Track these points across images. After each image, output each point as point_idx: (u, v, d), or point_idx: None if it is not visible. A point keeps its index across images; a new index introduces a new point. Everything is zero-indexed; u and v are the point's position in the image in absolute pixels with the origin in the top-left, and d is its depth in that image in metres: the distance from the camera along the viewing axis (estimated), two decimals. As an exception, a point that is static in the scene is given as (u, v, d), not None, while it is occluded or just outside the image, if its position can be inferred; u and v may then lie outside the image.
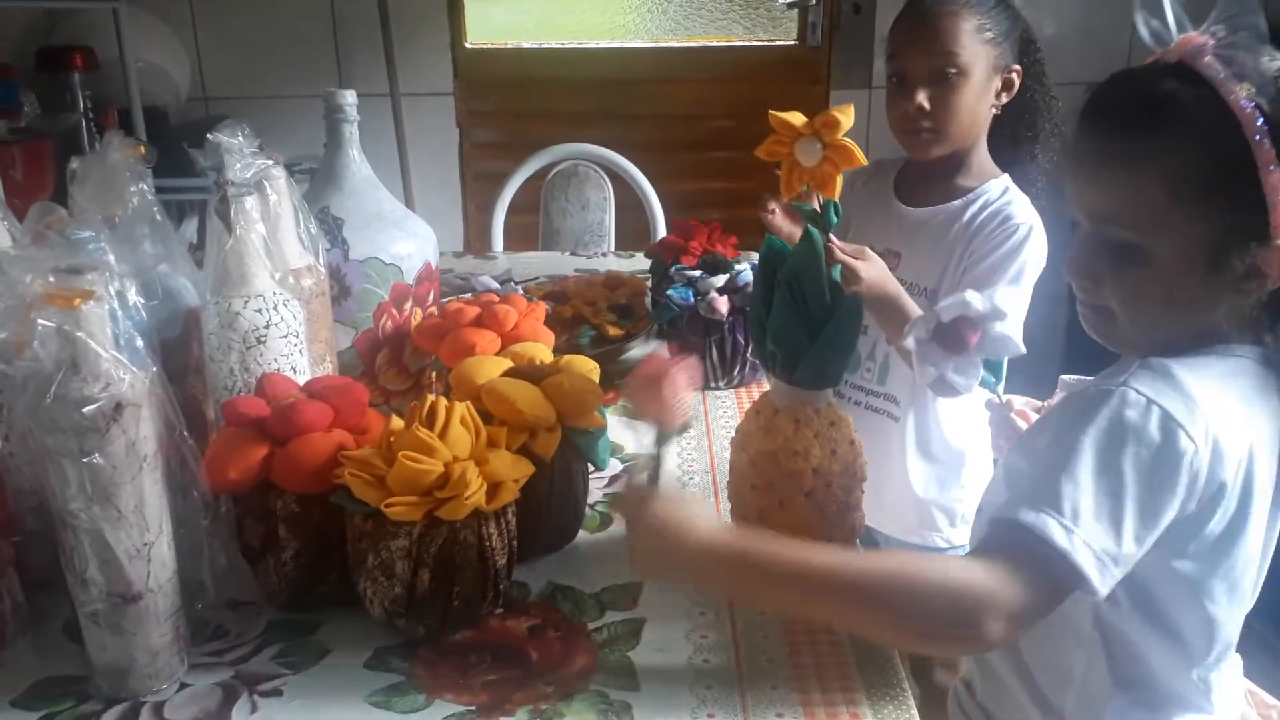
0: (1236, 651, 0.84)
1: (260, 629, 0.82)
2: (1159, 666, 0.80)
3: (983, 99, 1.26)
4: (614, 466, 1.09)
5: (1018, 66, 1.27)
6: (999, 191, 1.28)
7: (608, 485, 1.06)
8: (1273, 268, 0.73)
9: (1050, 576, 0.68)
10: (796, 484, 0.85)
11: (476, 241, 2.98)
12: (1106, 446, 0.70)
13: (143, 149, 0.92)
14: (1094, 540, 0.68)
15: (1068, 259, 0.81)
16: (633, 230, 2.45)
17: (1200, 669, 0.80)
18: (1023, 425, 0.96)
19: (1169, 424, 0.70)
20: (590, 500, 1.00)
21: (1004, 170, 1.32)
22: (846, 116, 0.86)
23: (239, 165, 0.92)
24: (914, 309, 1.17)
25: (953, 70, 1.22)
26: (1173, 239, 0.73)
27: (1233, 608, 0.78)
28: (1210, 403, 0.72)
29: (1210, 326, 0.77)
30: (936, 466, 1.37)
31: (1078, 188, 0.79)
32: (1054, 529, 0.67)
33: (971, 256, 1.25)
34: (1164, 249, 0.74)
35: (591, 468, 0.96)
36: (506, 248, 2.40)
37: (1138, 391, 0.72)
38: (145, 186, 0.85)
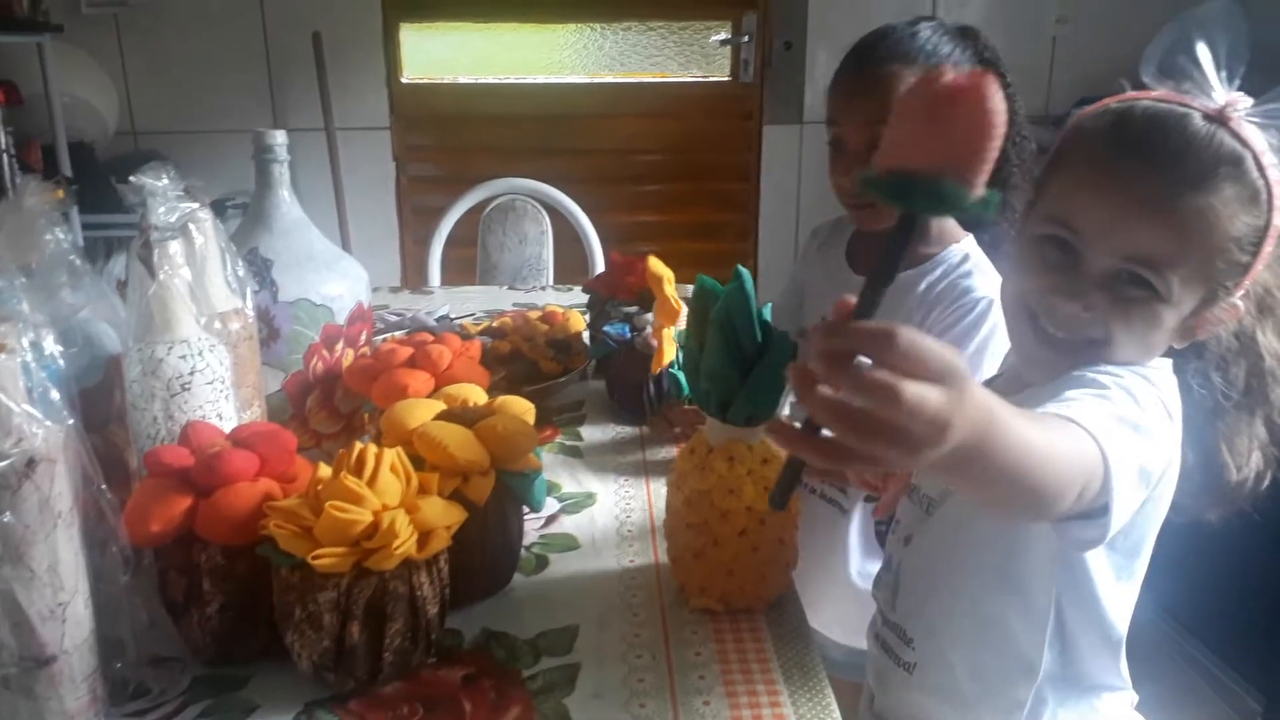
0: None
1: (184, 686, 0.79)
2: (1090, 653, 0.83)
3: None
4: (550, 505, 1.09)
5: None
6: (959, 258, 1.16)
7: (544, 526, 1.05)
8: (1217, 320, 0.78)
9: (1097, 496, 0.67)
10: (731, 523, 0.85)
11: (414, 276, 2.96)
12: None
13: (60, 192, 0.89)
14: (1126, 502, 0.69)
15: (1066, 290, 0.77)
16: (571, 263, 2.46)
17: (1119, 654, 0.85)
18: None
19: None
20: (526, 542, 0.99)
21: (969, 224, 1.20)
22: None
23: (163, 209, 0.91)
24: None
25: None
26: (1186, 285, 0.75)
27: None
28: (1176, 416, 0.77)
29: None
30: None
31: (1110, 222, 0.75)
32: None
33: (928, 333, 1.15)
34: (1175, 293, 0.75)
35: (527, 510, 0.95)
36: (445, 281, 2.39)
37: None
38: (61, 233, 0.83)
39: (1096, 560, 0.80)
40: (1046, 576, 0.81)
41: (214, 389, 0.92)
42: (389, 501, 0.76)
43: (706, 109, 3.15)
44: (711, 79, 3.15)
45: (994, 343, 1.10)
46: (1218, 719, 1.92)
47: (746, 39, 3.08)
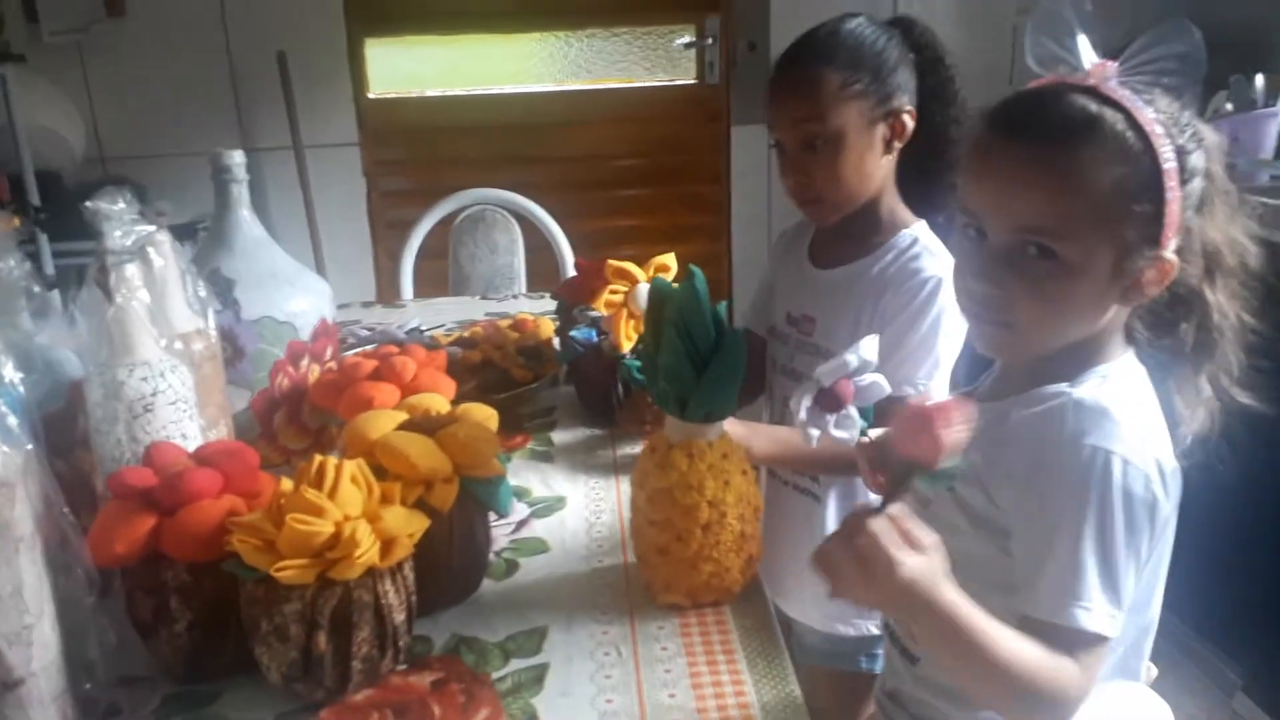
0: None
1: (156, 704, 0.80)
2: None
3: (866, 155, 1.15)
4: (520, 510, 1.10)
5: (909, 107, 1.16)
6: (907, 243, 1.18)
7: (514, 531, 1.06)
8: (1157, 279, 0.79)
9: (1092, 649, 0.75)
10: (693, 518, 0.87)
11: (388, 290, 2.96)
12: (1103, 521, 0.75)
13: (16, 220, 0.90)
14: (1114, 611, 0.75)
15: (976, 271, 0.81)
16: (544, 271, 2.47)
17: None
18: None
19: (1138, 474, 0.75)
20: (496, 548, 1.00)
21: (922, 208, 1.21)
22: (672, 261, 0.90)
23: (119, 233, 0.91)
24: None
25: (820, 140, 1.13)
26: (1088, 248, 0.77)
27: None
28: (1149, 429, 0.78)
29: (1087, 337, 0.82)
30: None
31: (995, 199, 0.80)
32: (1092, 621, 0.74)
33: (882, 316, 1.16)
34: (1080, 257, 0.78)
35: (495, 516, 0.96)
36: (419, 294, 2.40)
37: (1109, 451, 0.75)
38: (13, 261, 0.84)
39: None
40: None
41: (177, 409, 0.92)
42: (350, 512, 0.76)
43: (674, 113, 3.17)
44: (678, 82, 3.17)
45: (945, 320, 1.13)
46: (1198, 692, 1.95)
47: (710, 41, 3.10)
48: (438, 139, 3.11)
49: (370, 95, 3.08)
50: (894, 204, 1.21)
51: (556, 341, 1.54)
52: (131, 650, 0.82)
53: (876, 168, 1.17)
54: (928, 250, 1.16)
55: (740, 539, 0.89)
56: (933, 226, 1.20)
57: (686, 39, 3.12)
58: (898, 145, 1.17)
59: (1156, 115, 0.76)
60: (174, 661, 0.81)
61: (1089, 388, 0.79)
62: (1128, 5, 0.78)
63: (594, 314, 1.41)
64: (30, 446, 0.71)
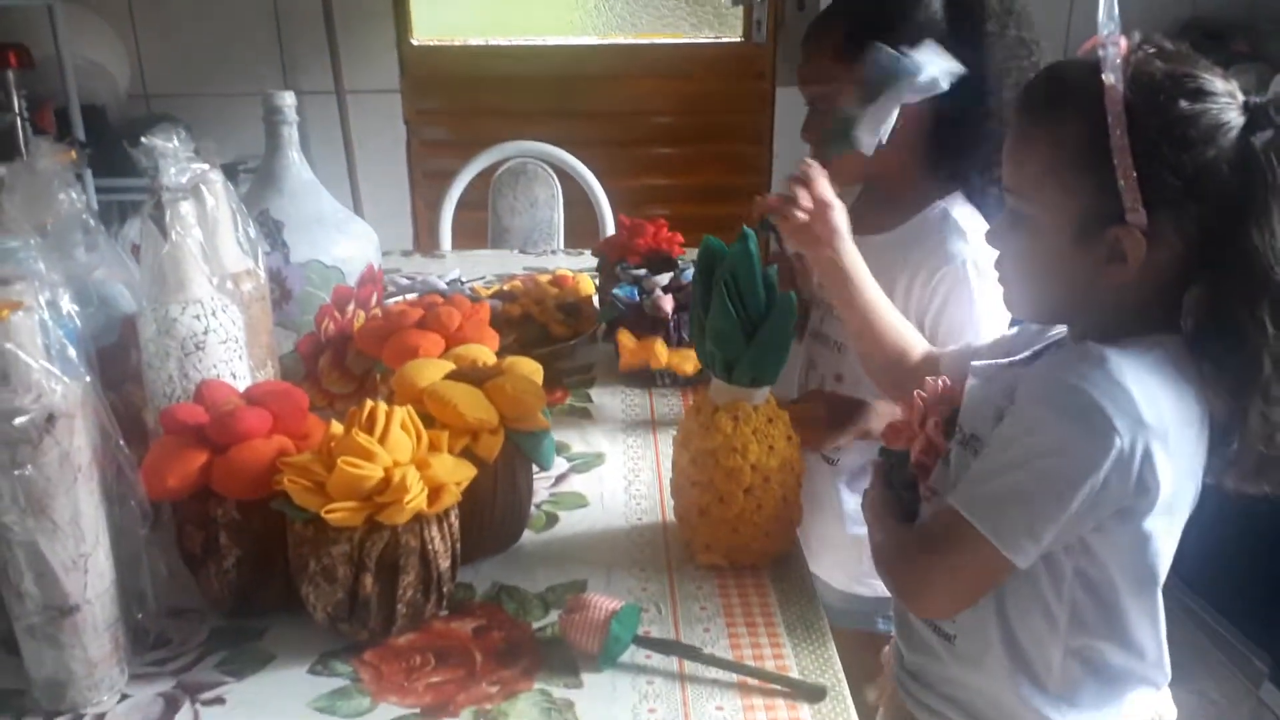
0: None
1: (203, 637, 0.82)
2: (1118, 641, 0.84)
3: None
4: (559, 465, 1.10)
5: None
6: (938, 215, 1.14)
7: (554, 484, 1.07)
8: (1129, 250, 0.77)
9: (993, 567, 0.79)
10: (735, 481, 0.87)
11: (425, 239, 2.97)
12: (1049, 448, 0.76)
13: (73, 154, 0.91)
14: (1033, 542, 0.77)
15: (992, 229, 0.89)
16: (582, 227, 2.46)
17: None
18: None
19: (1101, 416, 0.74)
20: (536, 500, 1.01)
21: (957, 178, 1.15)
22: None
23: (174, 170, 0.91)
24: (872, 295, 1.04)
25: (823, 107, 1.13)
26: (1048, 209, 0.81)
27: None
28: (1141, 389, 0.75)
29: (1129, 315, 0.80)
30: None
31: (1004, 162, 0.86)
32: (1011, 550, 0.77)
33: (913, 301, 1.12)
34: (1042, 216, 0.82)
35: (536, 468, 0.97)
36: (456, 245, 2.40)
37: (1098, 401, 0.75)
38: (74, 194, 0.84)
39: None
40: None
41: (227, 348, 0.93)
42: (400, 458, 0.77)
43: (719, 70, 3.12)
44: (724, 40, 3.12)
45: (979, 304, 1.10)
46: (1224, 679, 1.94)
47: (759, -1, 3.05)
48: (479, 89, 3.08)
49: (413, 42, 3.06)
50: (921, 173, 1.16)
51: (596, 299, 1.54)
52: (181, 582, 0.84)
53: (901, 140, 1.07)
54: (957, 228, 1.12)
55: (782, 504, 0.89)
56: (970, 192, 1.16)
57: (735, -5, 3.07)
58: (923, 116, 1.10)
59: (1141, 92, 0.76)
60: (221, 596, 0.82)
61: (1107, 348, 0.78)
62: None
63: (636, 272, 1.41)
64: (88, 379, 0.72)
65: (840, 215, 1.01)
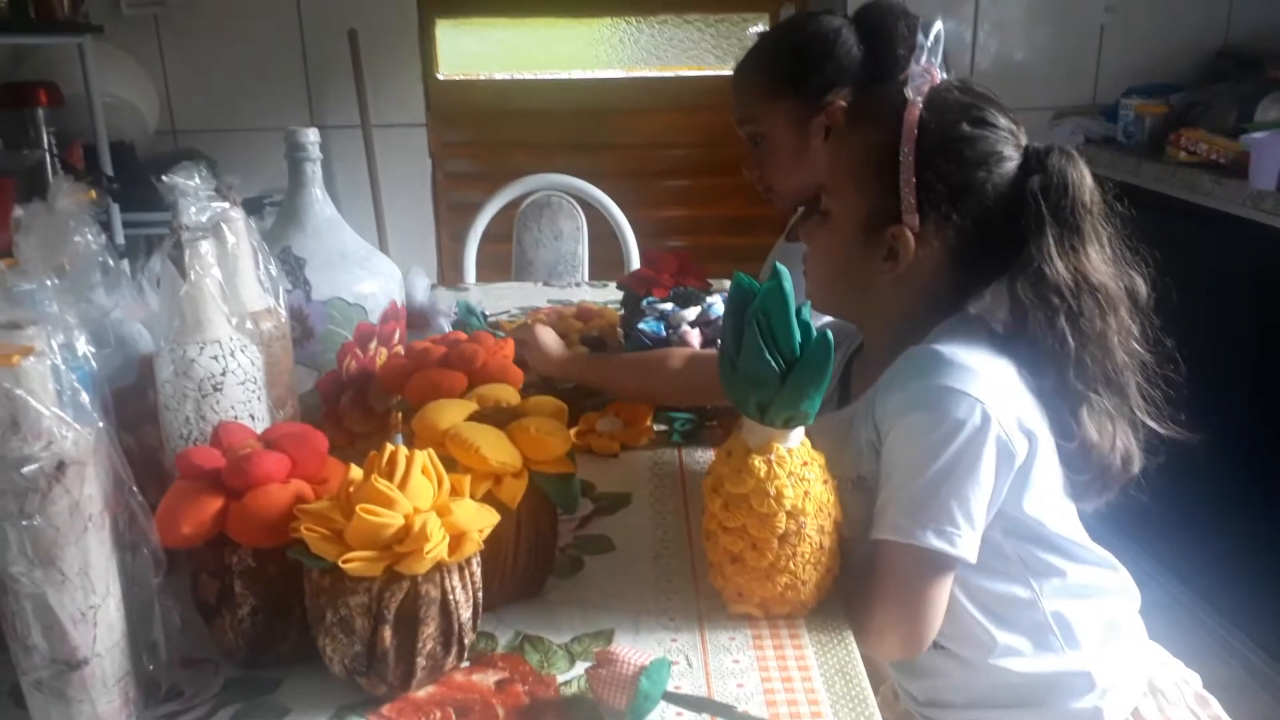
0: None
1: (217, 688, 0.79)
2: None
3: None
4: (584, 506, 1.07)
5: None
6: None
7: (579, 527, 1.03)
8: (901, 248, 0.91)
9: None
10: (769, 527, 0.83)
11: (450, 272, 2.96)
12: (953, 453, 0.85)
13: (93, 193, 0.89)
14: (970, 527, 0.86)
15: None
16: (606, 259, 2.45)
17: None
18: None
19: (962, 394, 0.85)
20: (561, 544, 0.98)
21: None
22: None
23: (194, 209, 0.90)
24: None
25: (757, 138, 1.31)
26: (846, 205, 0.94)
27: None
28: (976, 361, 0.87)
29: (901, 311, 0.95)
30: None
31: None
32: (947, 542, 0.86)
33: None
34: (836, 209, 0.95)
35: (561, 511, 0.93)
36: (481, 278, 2.39)
37: (959, 390, 0.86)
38: (92, 233, 0.83)
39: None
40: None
41: (246, 389, 0.91)
42: (420, 504, 0.74)
43: (743, 102, 3.12)
44: (748, 72, 3.12)
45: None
46: (1213, 666, 1.90)
47: (783, 31, 3.04)
48: (505, 122, 3.09)
49: (439, 76, 3.08)
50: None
51: (621, 332, 1.51)
52: (195, 632, 0.81)
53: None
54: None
55: (819, 551, 0.85)
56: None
57: (760, 27, 3.07)
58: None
59: (934, 111, 0.89)
60: (236, 646, 0.80)
61: (927, 345, 0.90)
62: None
63: (663, 307, 1.38)
64: (101, 424, 0.70)
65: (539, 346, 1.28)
